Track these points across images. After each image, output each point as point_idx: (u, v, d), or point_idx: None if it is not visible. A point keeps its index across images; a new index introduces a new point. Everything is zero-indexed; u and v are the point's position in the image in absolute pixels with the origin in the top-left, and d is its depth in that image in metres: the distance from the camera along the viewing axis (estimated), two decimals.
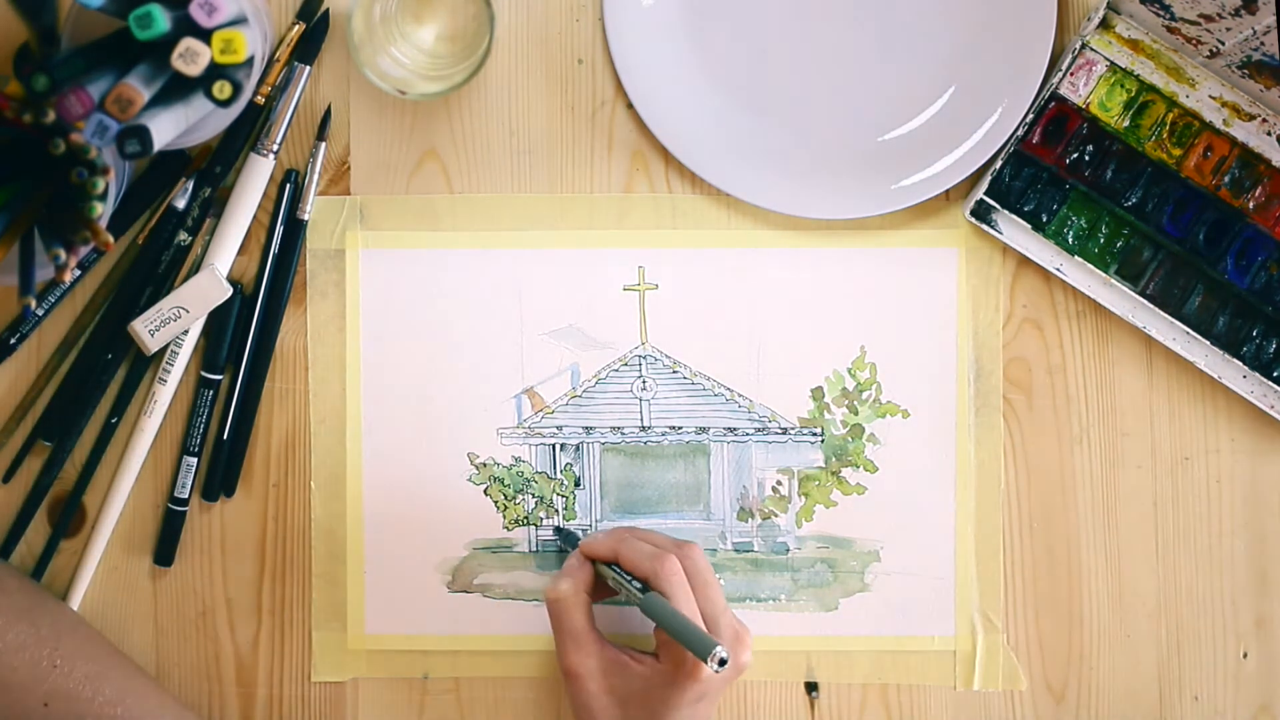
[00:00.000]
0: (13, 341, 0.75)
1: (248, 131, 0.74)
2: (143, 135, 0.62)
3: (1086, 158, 0.75)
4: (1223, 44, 0.72)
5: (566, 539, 0.76)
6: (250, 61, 0.65)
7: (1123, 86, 0.75)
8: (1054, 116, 0.75)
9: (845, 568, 0.77)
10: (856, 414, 0.76)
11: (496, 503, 0.77)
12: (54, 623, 0.72)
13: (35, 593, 0.74)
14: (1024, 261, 0.76)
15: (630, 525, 0.76)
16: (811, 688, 0.77)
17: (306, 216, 0.75)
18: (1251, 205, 0.75)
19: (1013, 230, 0.75)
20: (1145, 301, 0.75)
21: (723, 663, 0.62)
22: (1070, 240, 0.75)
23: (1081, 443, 0.76)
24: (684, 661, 0.67)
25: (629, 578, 0.70)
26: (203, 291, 0.74)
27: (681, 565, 0.69)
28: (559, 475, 0.77)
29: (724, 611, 0.69)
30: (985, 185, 0.75)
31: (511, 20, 0.76)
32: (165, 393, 0.75)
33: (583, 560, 0.72)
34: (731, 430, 0.77)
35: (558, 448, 0.77)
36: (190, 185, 0.75)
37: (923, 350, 0.76)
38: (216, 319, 0.75)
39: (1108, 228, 0.75)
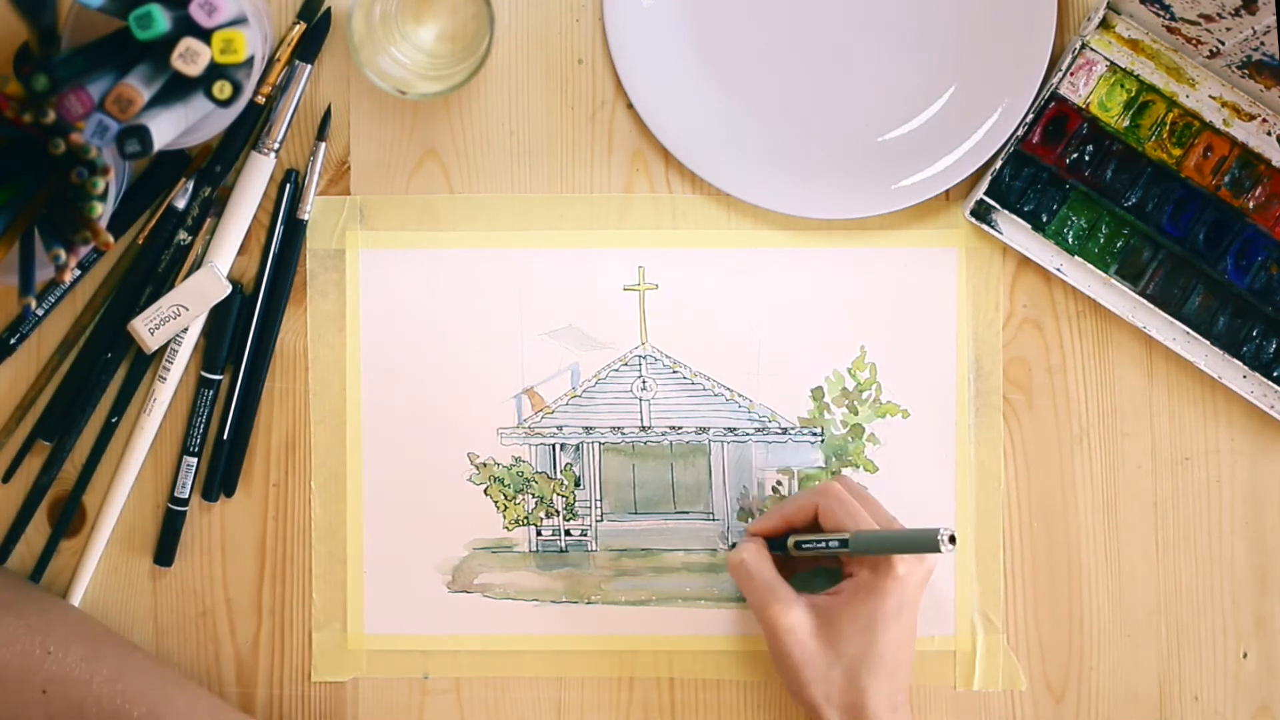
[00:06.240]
0: (13, 341, 0.75)
1: (248, 131, 0.74)
2: (143, 135, 0.62)
3: (1086, 158, 0.75)
4: (1223, 44, 0.72)
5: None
6: (250, 61, 0.65)
7: (1123, 86, 0.75)
8: (1054, 116, 0.75)
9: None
10: (856, 414, 0.76)
11: (496, 503, 0.77)
12: (42, 612, 0.72)
13: (20, 586, 0.74)
14: (1024, 261, 0.76)
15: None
16: None
17: (306, 216, 0.75)
18: (1251, 205, 0.75)
19: (1013, 230, 0.75)
20: (1145, 301, 0.75)
21: (953, 539, 0.65)
22: (1070, 240, 0.75)
23: (1081, 443, 0.76)
24: (878, 565, 0.70)
25: (820, 541, 0.71)
26: (202, 289, 0.74)
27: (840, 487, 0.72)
28: (559, 475, 0.77)
29: (892, 521, 0.72)
30: (985, 185, 0.75)
31: (511, 20, 0.76)
32: (165, 392, 0.75)
33: (752, 537, 0.74)
34: (731, 430, 0.77)
35: (558, 448, 0.77)
36: (190, 185, 0.75)
37: (923, 350, 0.76)
38: (216, 319, 0.75)
39: (1108, 228, 0.75)
